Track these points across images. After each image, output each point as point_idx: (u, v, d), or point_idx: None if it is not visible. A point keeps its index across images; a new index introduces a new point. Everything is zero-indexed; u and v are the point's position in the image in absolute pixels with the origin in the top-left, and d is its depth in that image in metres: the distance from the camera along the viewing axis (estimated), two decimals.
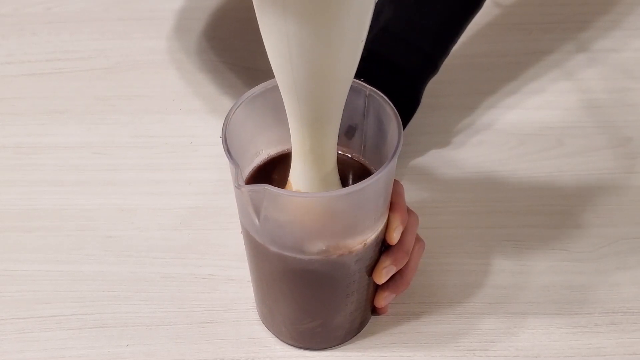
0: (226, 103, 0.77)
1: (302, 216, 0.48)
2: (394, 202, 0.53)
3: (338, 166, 0.51)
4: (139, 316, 0.60)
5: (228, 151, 0.47)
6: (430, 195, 0.68)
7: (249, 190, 0.46)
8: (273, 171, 0.54)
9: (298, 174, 0.50)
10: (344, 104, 0.47)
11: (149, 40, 0.85)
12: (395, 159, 0.48)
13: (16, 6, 0.90)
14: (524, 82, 0.79)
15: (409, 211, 0.56)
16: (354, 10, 0.42)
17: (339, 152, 0.55)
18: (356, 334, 0.58)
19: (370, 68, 0.65)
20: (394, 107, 0.51)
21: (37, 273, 0.63)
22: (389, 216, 0.53)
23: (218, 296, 0.61)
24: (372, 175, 0.46)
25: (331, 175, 0.50)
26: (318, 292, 0.53)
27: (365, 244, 0.51)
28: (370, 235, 0.51)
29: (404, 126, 0.68)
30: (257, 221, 0.48)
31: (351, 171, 0.55)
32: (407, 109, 0.67)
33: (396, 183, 0.54)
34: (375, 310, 0.59)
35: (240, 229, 0.54)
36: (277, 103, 0.48)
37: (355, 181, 0.46)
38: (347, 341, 0.58)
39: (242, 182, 0.46)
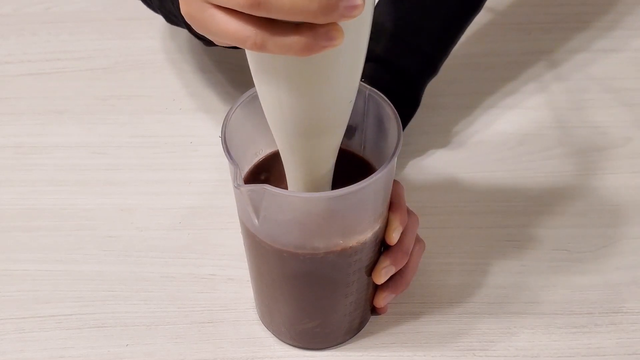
0: (226, 103, 0.77)
1: (301, 216, 0.48)
2: (394, 203, 0.53)
3: (338, 166, 0.51)
4: (139, 316, 0.60)
5: (227, 151, 0.47)
6: (430, 195, 0.68)
7: (248, 190, 0.46)
8: (272, 171, 0.54)
9: (291, 181, 0.51)
10: (336, 148, 0.48)
11: (148, 40, 0.86)
12: (395, 158, 0.48)
13: (16, 6, 0.90)
14: (523, 82, 0.79)
15: (408, 212, 0.56)
16: (341, 77, 0.42)
17: (341, 149, 0.55)
18: (356, 334, 0.58)
19: (371, 68, 0.65)
20: (393, 107, 0.51)
21: (36, 273, 0.63)
22: (388, 216, 0.53)
23: (217, 296, 0.61)
24: (371, 175, 0.46)
25: (325, 178, 0.51)
26: (317, 292, 0.53)
27: (365, 244, 0.50)
28: (370, 235, 0.51)
29: (404, 127, 0.68)
30: (256, 221, 0.48)
31: (351, 171, 0.55)
32: (406, 109, 0.67)
33: (396, 183, 0.54)
34: (374, 310, 0.59)
35: (239, 229, 0.54)
36: None
37: (355, 181, 0.46)
38: (346, 341, 0.58)
39: (241, 182, 0.46)
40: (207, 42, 0.60)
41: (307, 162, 0.48)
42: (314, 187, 0.50)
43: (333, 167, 0.50)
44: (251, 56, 0.42)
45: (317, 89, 0.42)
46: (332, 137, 0.47)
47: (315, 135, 0.45)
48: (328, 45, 0.37)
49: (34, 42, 0.86)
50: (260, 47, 0.38)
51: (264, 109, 0.45)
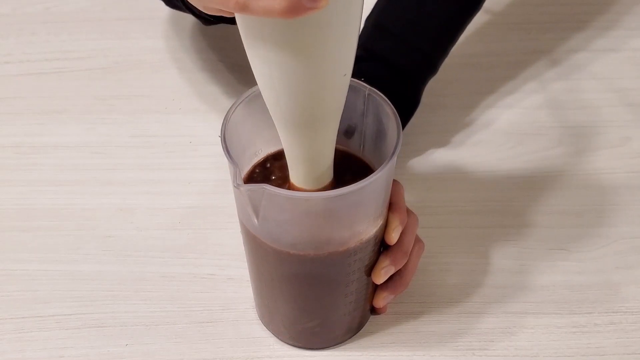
0: (225, 102, 0.77)
1: (300, 216, 0.48)
2: (394, 203, 0.53)
3: (338, 166, 0.51)
4: (138, 316, 0.60)
5: (227, 151, 0.47)
6: (430, 195, 0.68)
7: (248, 189, 0.46)
8: (272, 170, 0.54)
9: (294, 175, 0.51)
10: (334, 133, 0.48)
11: (147, 39, 0.85)
12: (394, 158, 0.48)
13: (15, 6, 0.90)
14: (523, 82, 0.79)
15: (408, 212, 0.56)
16: (331, 46, 0.41)
17: (340, 149, 0.55)
18: (355, 334, 0.58)
19: (370, 68, 0.65)
20: (393, 107, 0.50)
21: (36, 273, 0.63)
22: (388, 216, 0.53)
23: (217, 296, 0.61)
24: (370, 175, 0.46)
25: (326, 173, 0.50)
26: (317, 292, 0.53)
27: (364, 244, 0.50)
28: (370, 235, 0.51)
29: (403, 126, 0.68)
30: (255, 221, 0.48)
31: (351, 170, 0.55)
32: (406, 109, 0.67)
33: (396, 183, 0.54)
34: (374, 310, 0.59)
35: (239, 229, 0.54)
36: None
37: (354, 181, 0.46)
38: (346, 341, 0.58)
39: (240, 182, 0.46)
40: (206, 21, 0.59)
41: (308, 151, 0.47)
42: (315, 181, 0.49)
43: (332, 162, 0.50)
44: (241, 24, 0.41)
45: (307, 58, 0.40)
46: (329, 119, 0.46)
47: (312, 117, 0.44)
48: (312, 6, 0.35)
49: (33, 42, 0.85)
50: (242, 8, 0.37)
51: (260, 90, 0.44)
